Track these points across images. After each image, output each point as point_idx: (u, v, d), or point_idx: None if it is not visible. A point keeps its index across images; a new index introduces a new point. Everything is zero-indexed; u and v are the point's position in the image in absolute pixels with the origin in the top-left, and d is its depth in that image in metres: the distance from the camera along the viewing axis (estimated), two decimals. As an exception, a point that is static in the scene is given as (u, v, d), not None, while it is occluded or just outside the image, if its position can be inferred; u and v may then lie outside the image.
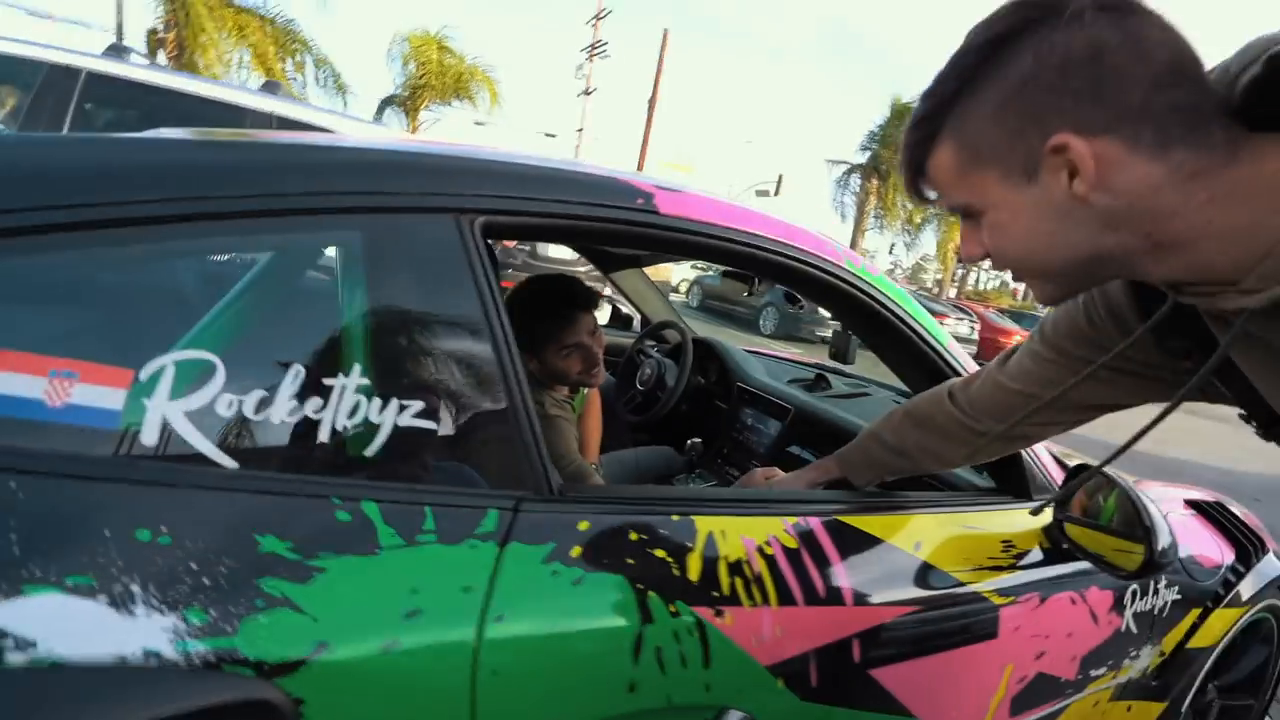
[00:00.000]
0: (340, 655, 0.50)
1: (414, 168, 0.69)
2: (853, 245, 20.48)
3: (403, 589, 0.54)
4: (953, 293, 22.39)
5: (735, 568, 0.69)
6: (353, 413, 0.59)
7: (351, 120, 3.85)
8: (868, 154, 18.97)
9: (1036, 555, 1.01)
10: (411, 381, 0.62)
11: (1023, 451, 1.02)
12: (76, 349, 0.52)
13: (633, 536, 0.66)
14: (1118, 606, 1.10)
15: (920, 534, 0.89)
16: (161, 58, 10.55)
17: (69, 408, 0.51)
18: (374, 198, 0.64)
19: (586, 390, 1.60)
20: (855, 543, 0.81)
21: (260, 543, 0.51)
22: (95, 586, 0.44)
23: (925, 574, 0.84)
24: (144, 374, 0.53)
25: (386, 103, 13.81)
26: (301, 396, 0.57)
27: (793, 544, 0.75)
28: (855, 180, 19.61)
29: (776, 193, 27.13)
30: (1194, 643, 1.29)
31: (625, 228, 0.79)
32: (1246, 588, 1.36)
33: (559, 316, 1.29)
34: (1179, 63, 0.44)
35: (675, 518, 0.70)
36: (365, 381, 0.60)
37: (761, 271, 0.94)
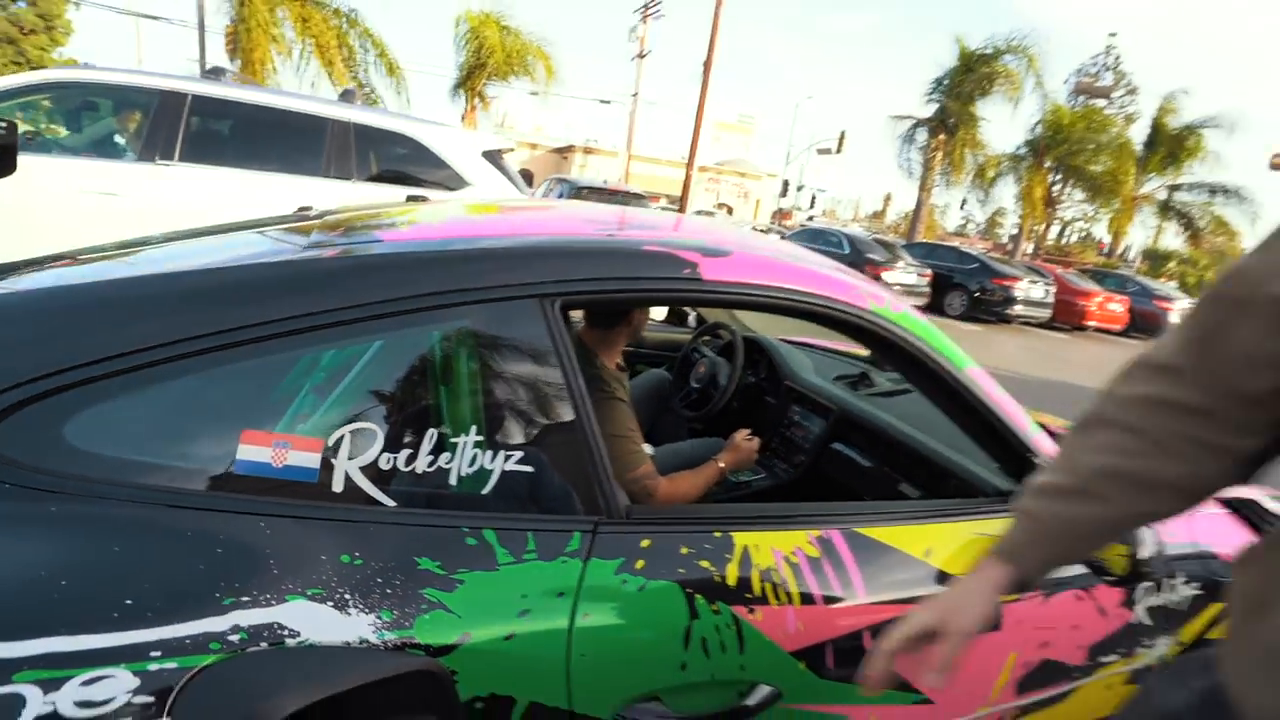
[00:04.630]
0: (478, 642, 0.71)
1: (506, 258, 0.88)
2: (918, 204, 19.64)
3: (516, 594, 0.75)
4: (1030, 248, 21.00)
5: (765, 574, 0.88)
6: (472, 462, 0.80)
7: (417, 122, 4.09)
8: (934, 107, 18.01)
9: None
10: (513, 436, 0.82)
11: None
12: (285, 426, 0.75)
13: (683, 551, 0.85)
14: (1128, 602, 1.21)
15: (931, 541, 1.03)
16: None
17: (286, 468, 0.73)
18: (484, 291, 0.83)
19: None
20: (871, 550, 0.97)
21: (418, 562, 0.73)
22: (325, 595, 0.67)
23: (932, 576, 1.00)
24: (330, 441, 0.75)
25: (456, 87, 14.21)
26: (436, 452, 0.79)
27: (815, 553, 0.92)
28: (921, 135, 18.69)
29: (839, 150, 26.22)
30: (1215, 634, 1.38)
31: (676, 293, 0.96)
32: None
33: None
34: None
35: (717, 534, 0.89)
36: (480, 438, 0.80)
37: (797, 316, 1.09)
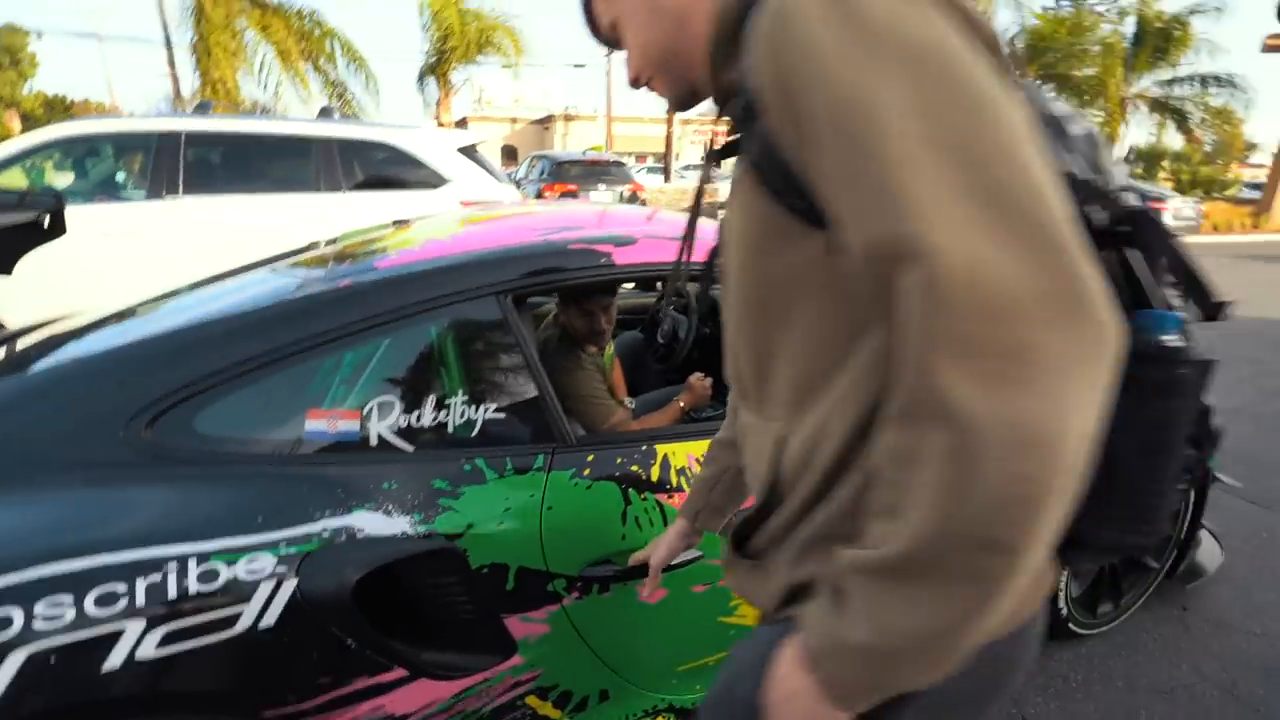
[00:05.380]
0: (478, 530, 1.08)
1: (469, 268, 1.23)
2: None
3: (500, 498, 1.12)
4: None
5: (680, 471, 1.24)
6: (463, 415, 1.16)
7: (394, 129, 4.37)
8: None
9: None
10: (491, 395, 1.18)
11: None
12: (334, 403, 1.11)
13: (618, 460, 1.21)
14: None
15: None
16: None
17: (339, 432, 1.10)
18: (454, 295, 1.18)
19: (609, 354, 2.14)
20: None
21: (434, 483, 1.10)
22: (376, 507, 1.04)
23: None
24: (365, 411, 1.11)
25: (422, 74, 14.24)
26: (437, 411, 1.15)
27: (719, 454, 1.28)
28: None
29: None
30: None
31: (597, 278, 1.30)
32: None
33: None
34: None
35: (644, 447, 1.25)
36: (466, 399, 1.16)
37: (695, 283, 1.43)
